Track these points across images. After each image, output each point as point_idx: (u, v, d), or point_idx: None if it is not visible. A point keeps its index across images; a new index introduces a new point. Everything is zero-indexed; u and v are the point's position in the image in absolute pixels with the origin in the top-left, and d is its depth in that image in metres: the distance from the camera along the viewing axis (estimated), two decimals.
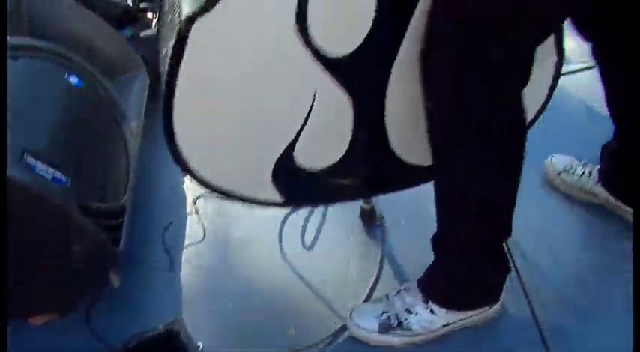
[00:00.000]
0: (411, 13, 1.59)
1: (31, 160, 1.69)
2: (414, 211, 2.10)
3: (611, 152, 2.09)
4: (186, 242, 2.11)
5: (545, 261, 2.01)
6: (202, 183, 1.69)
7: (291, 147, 1.67)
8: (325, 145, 1.72)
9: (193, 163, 1.64)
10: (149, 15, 2.65)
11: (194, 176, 1.67)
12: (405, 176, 1.86)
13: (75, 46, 2.10)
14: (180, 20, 1.48)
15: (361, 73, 1.64)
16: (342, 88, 1.64)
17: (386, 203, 2.10)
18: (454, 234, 1.75)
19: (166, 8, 1.74)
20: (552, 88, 1.92)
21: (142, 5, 2.68)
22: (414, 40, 1.62)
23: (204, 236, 2.12)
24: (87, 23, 2.25)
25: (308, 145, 1.67)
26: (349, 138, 1.72)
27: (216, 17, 1.45)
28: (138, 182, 2.05)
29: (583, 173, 2.19)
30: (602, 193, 2.14)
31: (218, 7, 1.45)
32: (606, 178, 2.13)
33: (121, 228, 1.86)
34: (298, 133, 1.66)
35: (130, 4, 2.63)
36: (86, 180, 1.82)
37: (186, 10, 1.52)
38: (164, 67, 1.55)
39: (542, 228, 2.09)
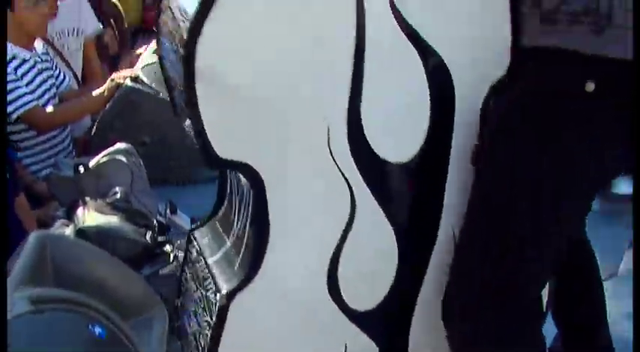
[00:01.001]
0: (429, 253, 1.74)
1: None
2: None
3: None
4: None
5: None
6: None
7: None
8: None
9: None
10: (167, 248, 2.73)
11: None
12: None
13: (96, 292, 2.16)
14: (221, 295, 1.56)
15: (386, 321, 1.77)
16: (369, 337, 1.75)
17: None
18: None
19: (187, 276, 1.83)
20: None
21: (160, 239, 2.77)
22: (432, 284, 1.76)
23: None
24: (107, 267, 2.33)
25: None
26: None
27: (255, 290, 1.57)
28: None
29: None
30: None
31: (255, 281, 1.57)
32: None
33: None
34: None
35: (149, 241, 2.71)
36: None
37: (222, 283, 1.60)
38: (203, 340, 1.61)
39: None
